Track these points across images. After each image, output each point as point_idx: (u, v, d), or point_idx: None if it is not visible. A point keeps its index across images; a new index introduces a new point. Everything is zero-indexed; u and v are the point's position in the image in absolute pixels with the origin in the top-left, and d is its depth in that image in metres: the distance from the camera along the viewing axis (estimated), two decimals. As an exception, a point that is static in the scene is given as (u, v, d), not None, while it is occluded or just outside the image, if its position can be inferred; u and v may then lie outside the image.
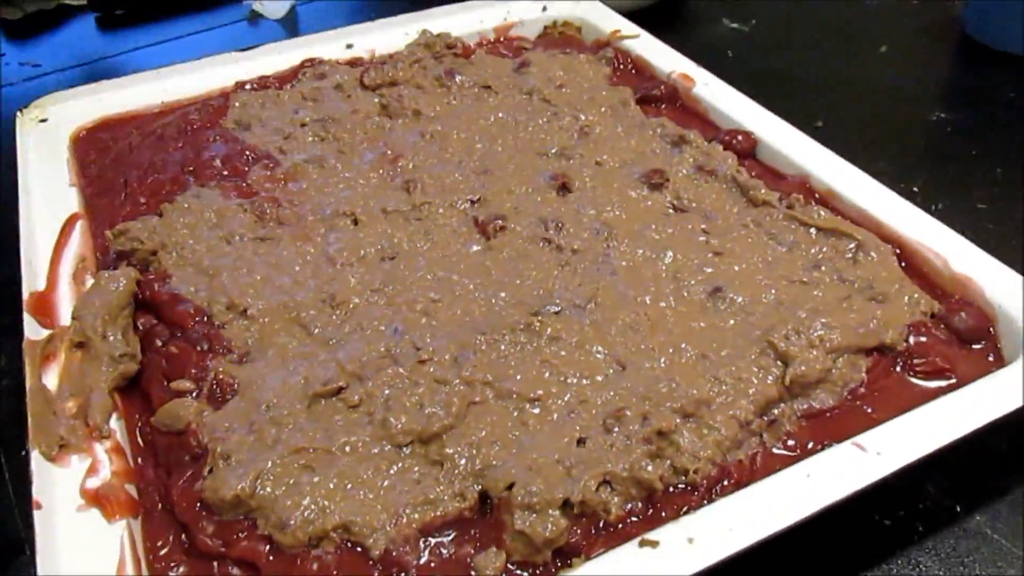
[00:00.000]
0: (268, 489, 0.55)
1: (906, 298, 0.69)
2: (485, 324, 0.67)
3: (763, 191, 0.79)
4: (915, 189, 0.91)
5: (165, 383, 0.65)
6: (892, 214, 0.75)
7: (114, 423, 0.62)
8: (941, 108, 1.06)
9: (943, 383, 0.64)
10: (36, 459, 0.58)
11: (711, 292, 0.70)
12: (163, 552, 0.55)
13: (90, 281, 0.72)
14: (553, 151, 0.87)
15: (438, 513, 0.55)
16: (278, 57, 1.01)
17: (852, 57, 1.18)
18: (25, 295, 0.70)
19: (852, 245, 0.73)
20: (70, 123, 0.92)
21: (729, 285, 0.70)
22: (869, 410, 0.63)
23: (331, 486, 0.56)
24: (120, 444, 0.60)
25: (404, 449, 0.58)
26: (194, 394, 0.63)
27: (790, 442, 0.61)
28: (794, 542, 0.54)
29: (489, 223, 0.77)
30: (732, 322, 0.68)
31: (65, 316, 0.69)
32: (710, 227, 0.77)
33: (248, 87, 0.96)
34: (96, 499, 0.56)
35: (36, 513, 0.54)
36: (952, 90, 1.12)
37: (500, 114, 0.92)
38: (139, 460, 0.61)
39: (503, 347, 0.64)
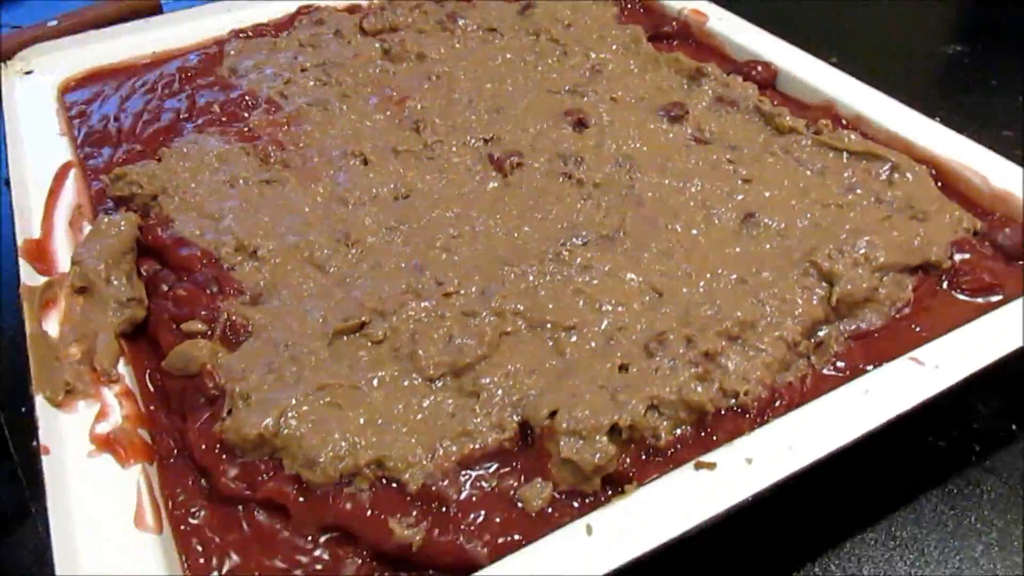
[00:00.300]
0: (294, 426, 0.52)
1: (947, 216, 0.66)
2: (510, 257, 0.63)
3: (788, 118, 0.76)
4: (937, 119, 0.88)
5: (174, 327, 0.61)
6: (924, 136, 0.73)
7: (121, 368, 0.58)
8: (957, 41, 1.03)
9: (991, 299, 0.61)
10: (41, 404, 0.54)
11: (744, 218, 0.67)
12: (182, 498, 0.52)
13: (88, 228, 0.68)
14: (566, 89, 0.84)
15: (477, 445, 0.51)
16: (273, 5, 0.97)
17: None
18: (19, 242, 0.65)
19: (886, 167, 0.70)
20: (57, 74, 0.87)
21: (762, 211, 0.67)
22: (917, 329, 0.60)
23: (361, 422, 0.52)
24: (130, 388, 0.57)
25: (436, 383, 0.55)
26: (207, 335, 0.59)
27: (839, 363, 0.58)
28: (852, 465, 0.51)
29: (505, 160, 0.74)
30: (768, 246, 0.65)
31: (63, 263, 0.65)
32: (736, 156, 0.74)
33: (243, 36, 0.92)
34: (108, 444, 0.52)
35: (44, 459, 0.51)
36: (967, 23, 1.09)
37: (508, 55, 0.89)
38: (151, 407, 0.57)
39: (532, 278, 0.61)
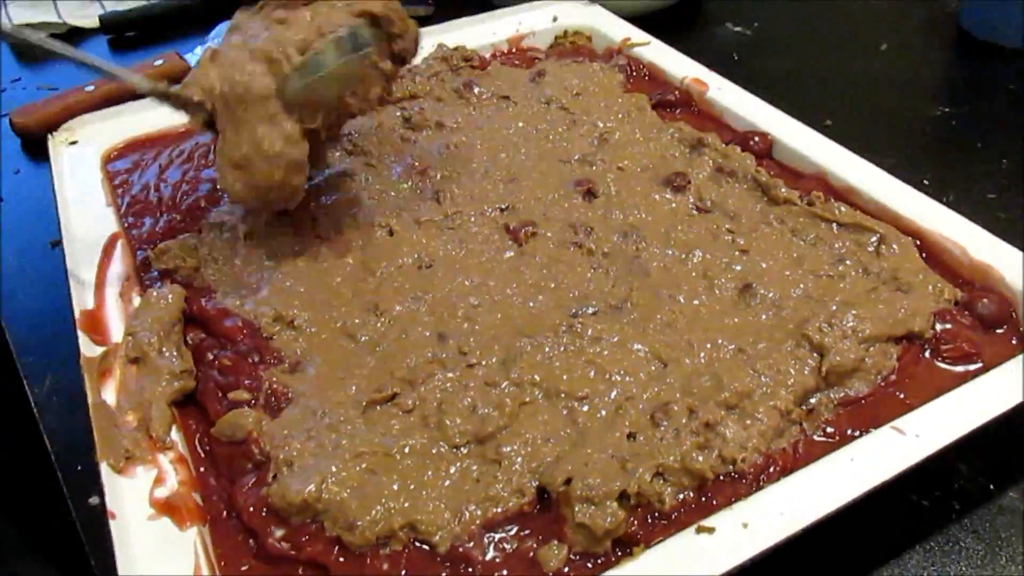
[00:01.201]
0: (334, 492, 0.57)
1: (930, 287, 0.71)
2: (527, 327, 0.69)
3: (783, 189, 0.82)
4: (925, 182, 0.93)
5: (220, 395, 0.67)
6: (909, 207, 0.78)
7: (174, 435, 0.64)
8: (943, 103, 1.09)
9: (970, 367, 0.67)
10: (106, 472, 0.59)
11: (742, 289, 0.72)
12: (233, 557, 0.57)
13: (136, 299, 0.74)
14: (576, 158, 0.89)
15: (499, 509, 0.57)
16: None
17: (853, 56, 1.21)
18: (76, 314, 0.71)
19: (874, 238, 0.76)
20: (99, 144, 0.93)
21: (758, 281, 0.73)
22: (902, 396, 0.65)
23: (395, 488, 0.58)
24: (183, 454, 0.62)
25: (461, 449, 0.60)
26: (251, 404, 0.65)
27: (828, 429, 0.63)
28: (838, 524, 0.56)
29: (520, 230, 0.79)
30: (764, 317, 0.70)
31: (115, 333, 0.71)
32: (734, 226, 0.80)
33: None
34: (167, 508, 0.58)
35: (112, 523, 0.56)
36: (952, 85, 1.15)
37: (520, 123, 0.95)
38: (201, 469, 0.63)
39: (547, 349, 0.67)
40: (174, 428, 0.64)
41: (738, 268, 0.75)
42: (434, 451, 0.60)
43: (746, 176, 0.85)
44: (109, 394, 0.66)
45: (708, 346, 0.67)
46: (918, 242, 0.76)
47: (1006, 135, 1.02)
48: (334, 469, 0.58)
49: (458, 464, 0.59)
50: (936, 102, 1.09)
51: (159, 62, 1.13)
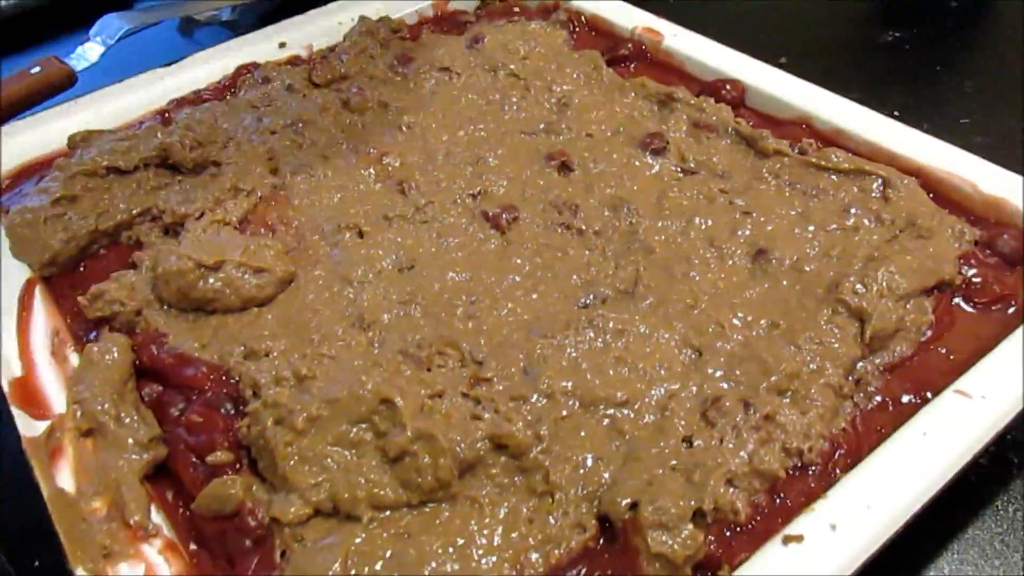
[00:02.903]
0: (366, 569, 0.49)
1: (948, 230, 0.67)
2: (538, 324, 0.62)
3: (772, 140, 0.76)
4: (896, 114, 0.89)
5: (195, 459, 0.57)
6: (907, 145, 0.74)
7: (155, 517, 0.54)
8: (892, 27, 1.05)
9: (1008, 310, 0.63)
10: (83, 579, 0.49)
11: (755, 255, 0.67)
12: (257, 653, 0.49)
13: (74, 356, 0.62)
14: (540, 127, 0.82)
15: (561, 551, 0.50)
16: (207, 67, 0.91)
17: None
18: (4, 386, 0.60)
19: (877, 183, 0.71)
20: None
21: (770, 244, 0.67)
22: (944, 351, 0.61)
23: (437, 549, 0.50)
24: (172, 539, 0.53)
25: (508, 489, 0.52)
26: (236, 467, 0.56)
27: (878, 399, 0.58)
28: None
29: (500, 216, 0.72)
30: (785, 283, 0.65)
31: (56, 402, 0.59)
32: (727, 186, 0.74)
33: (189, 103, 0.86)
34: (168, 611, 0.49)
35: (106, 643, 0.47)
36: (896, 9, 1.11)
37: (471, 95, 0.86)
38: (192, 547, 0.53)
39: (569, 349, 0.59)
40: (153, 508, 0.54)
41: (745, 232, 0.69)
42: (474, 493, 0.52)
43: (727, 129, 0.79)
44: (65, 479, 0.55)
45: (739, 325, 0.61)
46: (922, 182, 0.72)
47: (962, 55, 0.99)
48: (359, 541, 0.50)
49: (505, 504, 0.52)
50: (885, 27, 1.05)
51: (36, 69, 0.98)
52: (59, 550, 0.51)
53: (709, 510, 0.50)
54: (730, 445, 0.53)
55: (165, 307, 0.65)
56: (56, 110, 0.86)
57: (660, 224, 0.70)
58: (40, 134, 0.84)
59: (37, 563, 0.59)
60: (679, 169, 0.76)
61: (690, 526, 0.49)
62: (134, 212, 0.73)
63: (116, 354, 0.60)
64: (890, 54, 1.01)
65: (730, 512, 0.51)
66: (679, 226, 0.70)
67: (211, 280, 0.64)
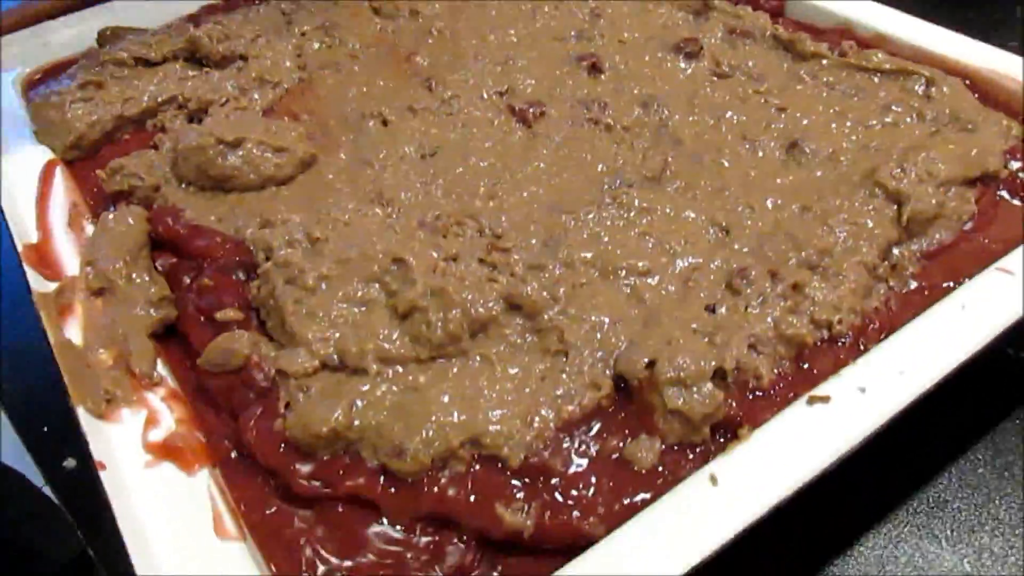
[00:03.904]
0: (368, 416, 0.47)
1: (994, 125, 0.64)
2: (562, 203, 0.60)
3: (811, 43, 0.73)
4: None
5: (203, 320, 0.56)
6: (951, 48, 0.71)
7: (160, 369, 0.53)
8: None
9: (1055, 205, 0.60)
10: (85, 418, 0.48)
11: (788, 147, 0.64)
12: (255, 501, 0.47)
13: (89, 227, 0.62)
14: (572, 35, 0.80)
15: (573, 407, 0.48)
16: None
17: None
18: (19, 248, 0.59)
19: (920, 82, 0.68)
20: (13, 71, 0.80)
21: (805, 137, 0.64)
22: (986, 241, 0.58)
23: (445, 400, 0.48)
24: (176, 389, 0.52)
25: (518, 344, 0.51)
26: (244, 324, 0.54)
27: (917, 283, 0.55)
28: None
29: (527, 110, 0.70)
30: (819, 172, 0.62)
31: (70, 266, 0.59)
32: (762, 87, 0.71)
33: (219, 9, 0.85)
34: (167, 451, 0.48)
35: (103, 475, 0.46)
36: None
37: (502, 2, 0.84)
38: (195, 406, 0.52)
39: (593, 225, 0.57)
40: (159, 362, 0.53)
41: (779, 127, 0.66)
42: (485, 351, 0.50)
43: (764, 35, 0.76)
44: (74, 333, 0.54)
45: (769, 207, 0.59)
46: (967, 82, 0.69)
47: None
48: (363, 389, 0.48)
49: (517, 362, 0.50)
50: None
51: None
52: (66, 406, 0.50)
53: (730, 370, 0.47)
54: (755, 311, 0.51)
55: (184, 184, 0.65)
56: (90, 11, 0.86)
57: (691, 119, 0.68)
58: (74, 32, 0.84)
59: (45, 428, 0.58)
60: (712, 73, 0.74)
61: (709, 384, 0.47)
62: (160, 99, 0.73)
63: (131, 222, 0.60)
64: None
65: (752, 376, 0.48)
66: (711, 121, 0.68)
67: (230, 157, 0.63)
